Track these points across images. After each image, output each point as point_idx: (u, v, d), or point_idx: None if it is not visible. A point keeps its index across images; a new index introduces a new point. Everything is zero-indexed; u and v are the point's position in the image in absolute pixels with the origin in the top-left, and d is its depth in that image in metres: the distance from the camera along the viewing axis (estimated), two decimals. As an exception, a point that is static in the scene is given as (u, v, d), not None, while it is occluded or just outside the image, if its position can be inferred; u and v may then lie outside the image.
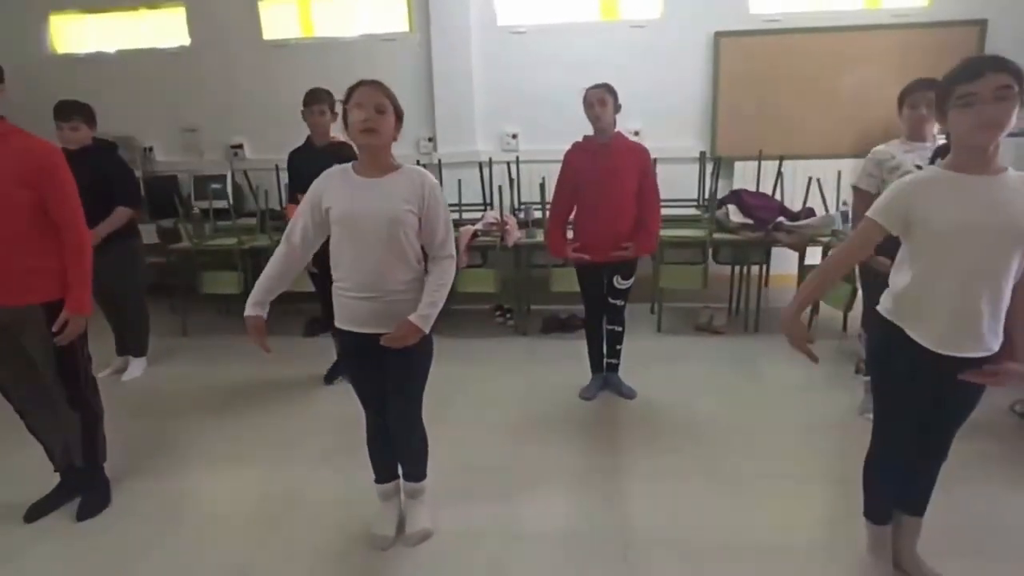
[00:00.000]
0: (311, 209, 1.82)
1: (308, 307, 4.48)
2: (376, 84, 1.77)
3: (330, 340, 3.21)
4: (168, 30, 5.20)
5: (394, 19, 4.96)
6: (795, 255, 3.83)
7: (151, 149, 5.42)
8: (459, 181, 4.42)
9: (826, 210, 3.88)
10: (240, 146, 5.28)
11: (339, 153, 3.08)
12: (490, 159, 4.73)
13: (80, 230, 2.09)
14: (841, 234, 3.65)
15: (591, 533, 2.07)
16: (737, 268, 4.26)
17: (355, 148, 1.85)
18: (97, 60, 5.33)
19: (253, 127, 5.27)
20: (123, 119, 5.32)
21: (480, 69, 4.87)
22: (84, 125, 3.24)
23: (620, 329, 3.01)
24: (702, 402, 3.00)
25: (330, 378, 3.37)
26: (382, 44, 4.97)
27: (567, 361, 3.45)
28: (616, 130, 2.83)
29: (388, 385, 1.91)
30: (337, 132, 2.96)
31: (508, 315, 4.28)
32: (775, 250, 4.08)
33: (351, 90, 1.78)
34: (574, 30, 4.78)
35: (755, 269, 4.18)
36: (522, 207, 4.52)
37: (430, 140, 5.02)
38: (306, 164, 3.08)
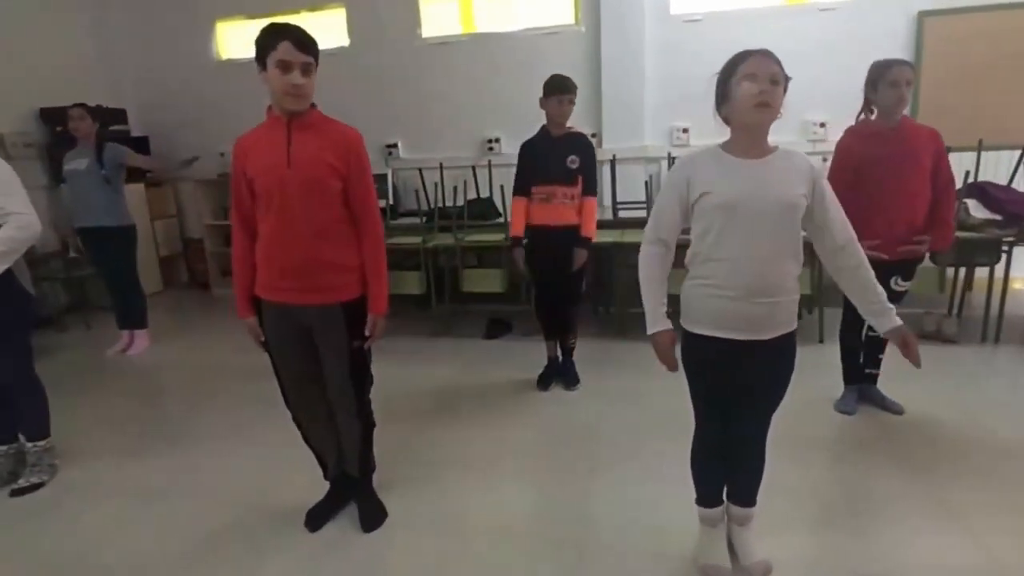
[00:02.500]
0: (678, 200, 1.62)
1: (488, 308, 4.43)
2: (768, 53, 1.56)
3: (517, 342, 3.04)
4: (328, 31, 5.22)
5: (559, 12, 4.80)
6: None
7: (307, 150, 5.46)
8: (651, 177, 4.19)
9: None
10: (395, 146, 5.25)
11: (576, 142, 2.93)
12: (669, 154, 4.47)
13: (379, 220, 1.97)
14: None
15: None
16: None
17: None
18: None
19: (408, 127, 5.23)
20: (281, 121, 5.41)
21: (651, 60, 4.65)
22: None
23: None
24: (986, 422, 2.64)
25: (545, 383, 3.20)
26: (546, 38, 4.82)
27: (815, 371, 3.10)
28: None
29: (743, 399, 1.70)
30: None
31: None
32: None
33: (737, 61, 1.57)
34: (755, 16, 4.48)
35: (980, 270, 3.76)
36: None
37: (593, 136, 4.82)
38: (543, 155, 2.93)
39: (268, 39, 1.74)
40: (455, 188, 4.39)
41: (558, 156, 2.91)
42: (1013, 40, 4.12)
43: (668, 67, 4.64)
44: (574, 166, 2.91)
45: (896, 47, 4.31)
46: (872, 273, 1.62)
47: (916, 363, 1.60)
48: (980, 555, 1.84)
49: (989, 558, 1.83)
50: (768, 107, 1.50)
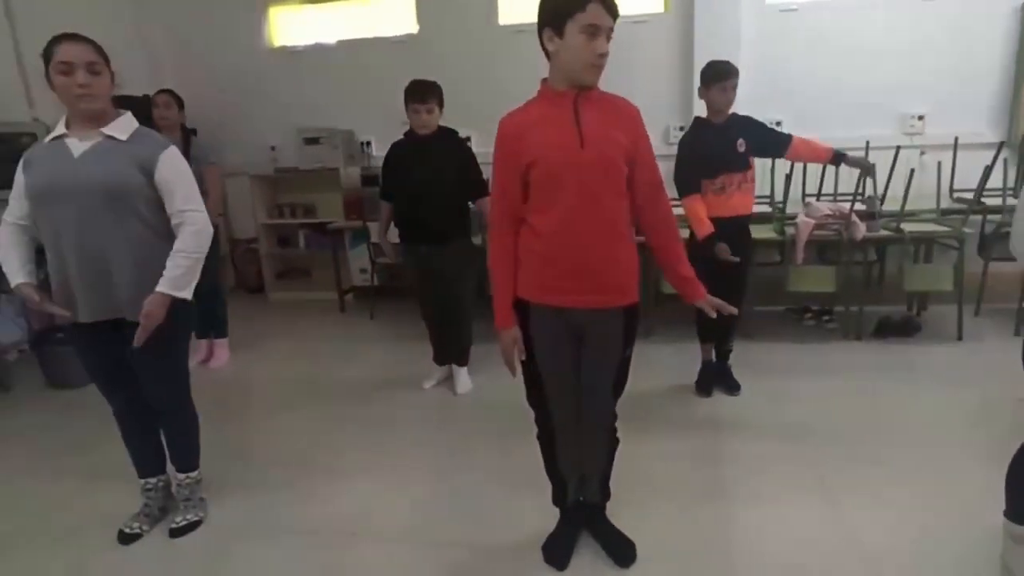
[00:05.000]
0: None
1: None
2: None
3: (652, 346, 2.85)
4: (395, 18, 4.91)
5: (647, -1, 4.62)
6: None
7: (368, 144, 5.14)
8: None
9: None
10: (468, 139, 4.95)
11: (741, 125, 2.77)
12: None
13: (670, 206, 1.74)
14: None
15: None
16: None
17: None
18: (316, 52, 5.07)
19: (480, 117, 4.90)
20: (340, 113, 5.08)
21: (746, 51, 4.49)
22: (438, 108, 2.91)
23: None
24: None
25: (706, 388, 3.00)
26: (633, 26, 4.60)
27: (900, 371, 3.05)
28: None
29: None
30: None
31: (825, 317, 3.88)
32: None
33: None
34: (853, 7, 4.36)
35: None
36: (859, 196, 3.98)
37: (681, 129, 4.65)
38: (711, 145, 2.74)
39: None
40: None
41: (726, 143, 2.74)
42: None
43: (763, 58, 4.49)
44: (742, 150, 2.75)
45: (997, 38, 4.27)
46: None
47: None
48: None
49: None
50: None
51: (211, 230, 1.99)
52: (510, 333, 1.70)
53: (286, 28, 5.15)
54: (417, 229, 2.92)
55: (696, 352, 3.11)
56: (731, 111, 2.81)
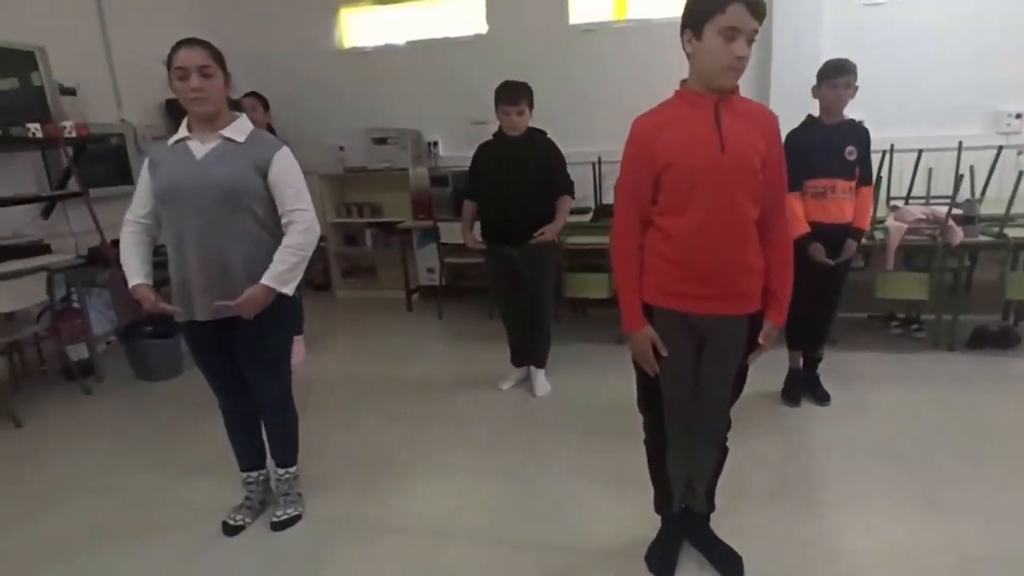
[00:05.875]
0: None
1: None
2: None
3: None
4: (465, 18, 4.92)
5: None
6: None
7: (436, 144, 5.17)
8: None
9: None
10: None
11: (854, 131, 2.69)
12: (892, 146, 4.15)
13: (786, 217, 1.68)
14: None
15: None
16: None
17: None
18: (385, 53, 5.13)
19: (549, 118, 4.90)
20: (408, 113, 5.13)
21: (828, 47, 4.34)
22: (528, 110, 2.90)
23: None
24: None
25: (794, 397, 2.91)
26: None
27: (999, 383, 2.93)
28: None
29: None
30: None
31: (914, 325, 3.72)
32: None
33: None
34: (943, 1, 4.17)
35: None
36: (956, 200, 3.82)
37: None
38: (817, 146, 2.67)
39: (714, 0, 1.44)
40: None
41: (835, 147, 2.65)
42: None
43: (846, 54, 4.31)
44: (852, 158, 2.64)
45: (1106, 32, 4.01)
46: None
47: None
48: None
49: None
50: None
51: (318, 229, 2.02)
52: (643, 333, 1.65)
53: (356, 30, 5.23)
54: (503, 230, 2.91)
55: (780, 358, 3.01)
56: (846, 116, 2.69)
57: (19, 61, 3.39)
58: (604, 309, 4.14)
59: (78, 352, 3.61)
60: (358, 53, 5.20)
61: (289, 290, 1.95)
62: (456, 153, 5.10)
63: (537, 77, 4.90)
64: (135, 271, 1.97)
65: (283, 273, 1.92)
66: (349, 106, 5.25)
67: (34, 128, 3.27)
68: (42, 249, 3.47)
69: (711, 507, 1.92)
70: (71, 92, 3.84)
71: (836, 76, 2.62)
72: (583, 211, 4.44)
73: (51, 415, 3.24)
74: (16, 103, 3.37)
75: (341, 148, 5.28)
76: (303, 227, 1.96)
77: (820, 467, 2.42)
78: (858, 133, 2.70)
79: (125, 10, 4.39)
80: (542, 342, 3.17)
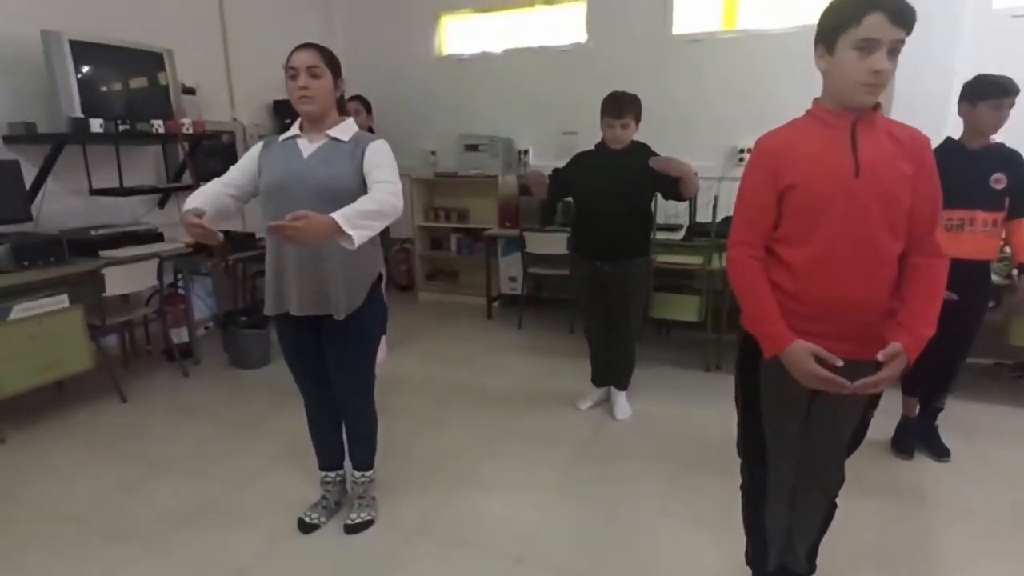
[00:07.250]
0: None
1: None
2: None
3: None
4: (565, 28, 4.87)
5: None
6: None
7: (526, 152, 5.15)
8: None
9: None
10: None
11: (1003, 157, 2.42)
12: None
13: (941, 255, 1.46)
14: None
15: None
16: None
17: None
18: (481, 60, 5.16)
19: (648, 131, 4.76)
20: (500, 121, 5.12)
21: (962, 61, 3.95)
22: (634, 123, 2.79)
23: None
24: None
25: (907, 448, 2.63)
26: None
27: None
28: None
29: None
30: None
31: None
32: None
33: None
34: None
35: None
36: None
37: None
38: (955, 171, 2.32)
39: (848, 11, 1.29)
40: (713, 202, 3.87)
41: (979, 175, 2.37)
42: None
43: (983, 70, 3.91)
44: (999, 187, 2.35)
45: None
46: None
47: None
48: None
49: None
50: None
51: (402, 204, 1.84)
52: (798, 347, 1.39)
53: (455, 37, 5.29)
54: (597, 244, 2.81)
55: (892, 402, 2.73)
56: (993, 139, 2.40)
57: (150, 62, 3.64)
58: (689, 332, 3.94)
59: (180, 335, 3.82)
60: (455, 60, 5.26)
61: (350, 231, 1.63)
62: (546, 162, 5.02)
63: (636, 88, 4.77)
64: (193, 200, 1.86)
65: (357, 214, 1.67)
66: (444, 112, 5.32)
67: (157, 124, 3.51)
68: (156, 237, 3.70)
69: (812, 568, 1.74)
70: (191, 91, 4.10)
71: (1002, 96, 2.33)
72: (674, 228, 4.26)
73: (152, 392, 3.44)
74: (145, 100, 3.63)
75: (433, 153, 5.36)
76: (391, 190, 1.82)
77: (937, 531, 2.16)
78: (1009, 159, 2.39)
79: (243, 17, 4.65)
80: (626, 363, 3.04)
